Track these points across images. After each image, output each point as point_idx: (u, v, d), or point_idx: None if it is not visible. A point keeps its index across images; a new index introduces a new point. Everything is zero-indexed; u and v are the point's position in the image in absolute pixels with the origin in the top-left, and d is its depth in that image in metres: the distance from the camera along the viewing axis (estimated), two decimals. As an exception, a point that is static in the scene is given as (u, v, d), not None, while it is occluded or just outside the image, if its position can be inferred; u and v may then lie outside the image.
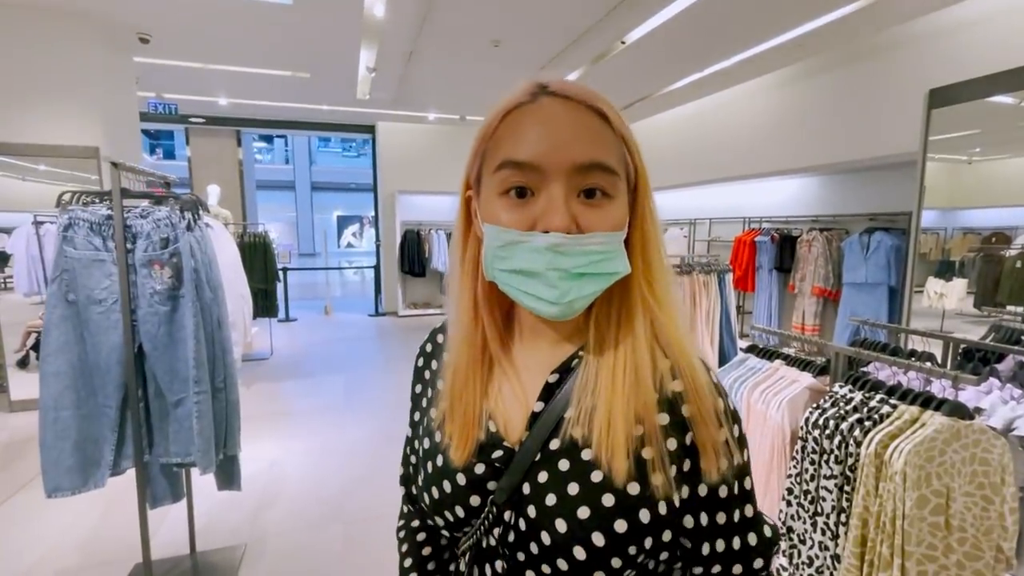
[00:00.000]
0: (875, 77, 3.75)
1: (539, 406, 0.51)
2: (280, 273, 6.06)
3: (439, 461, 0.54)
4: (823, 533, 1.50)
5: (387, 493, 2.62)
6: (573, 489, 0.46)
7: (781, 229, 5.32)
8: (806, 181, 5.11)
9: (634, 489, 0.46)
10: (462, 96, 6.19)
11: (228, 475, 1.89)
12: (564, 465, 0.48)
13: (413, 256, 7.71)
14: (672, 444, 0.48)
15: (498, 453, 0.51)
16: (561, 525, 0.46)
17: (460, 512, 0.52)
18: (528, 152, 0.45)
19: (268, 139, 22.20)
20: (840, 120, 4.04)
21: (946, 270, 2.97)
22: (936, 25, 3.25)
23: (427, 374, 0.65)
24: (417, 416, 0.65)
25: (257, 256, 5.11)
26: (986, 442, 1.36)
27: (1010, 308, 3.52)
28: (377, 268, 8.26)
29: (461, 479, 0.52)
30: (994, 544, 1.39)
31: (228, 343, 1.79)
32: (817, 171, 4.77)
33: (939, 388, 1.74)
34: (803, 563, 1.56)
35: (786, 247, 5.17)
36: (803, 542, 1.56)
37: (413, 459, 0.67)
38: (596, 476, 0.46)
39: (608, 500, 0.45)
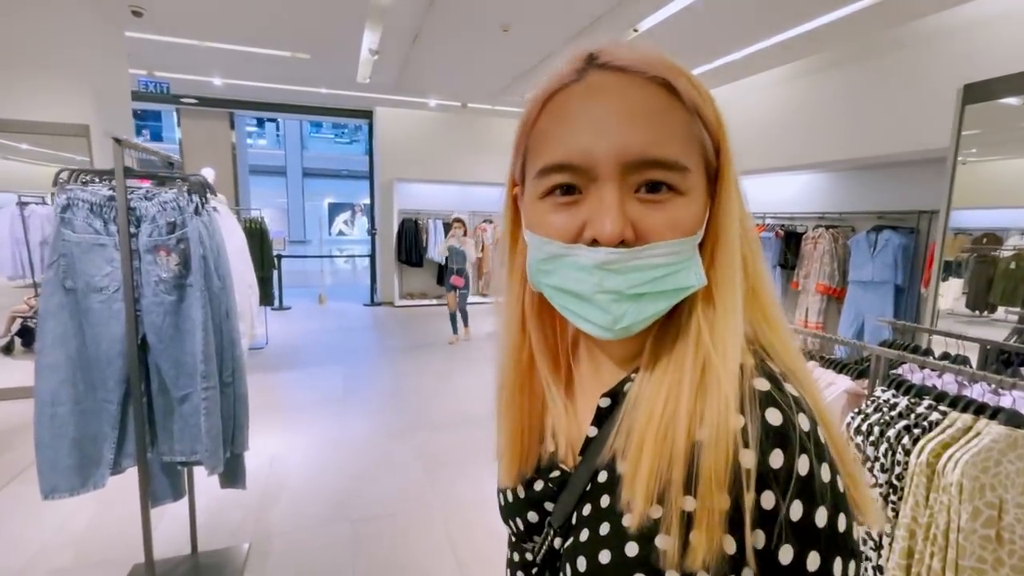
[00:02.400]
0: (895, 72, 3.68)
1: (593, 431, 0.46)
2: (276, 260, 5.91)
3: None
4: (864, 543, 1.44)
5: (393, 490, 2.54)
6: (604, 529, 0.41)
7: (786, 225, 5.28)
8: (813, 177, 5.06)
9: (664, 543, 0.36)
10: (466, 82, 6.04)
11: (233, 473, 1.79)
12: (605, 501, 0.42)
13: (410, 245, 7.58)
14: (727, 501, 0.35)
15: (555, 474, 0.49)
16: (582, 564, 0.42)
17: (520, 525, 0.51)
18: (570, 150, 0.39)
19: (259, 123, 21.74)
20: (856, 116, 3.98)
21: (943, 269, 2.96)
22: (963, 19, 3.19)
23: None
24: None
25: (254, 242, 4.96)
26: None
27: (1001, 309, 3.54)
28: (372, 257, 8.11)
29: (520, 492, 0.51)
30: (1044, 556, 1.34)
31: (236, 334, 1.69)
32: (827, 168, 4.72)
33: (978, 393, 1.69)
34: (841, 573, 1.50)
35: (790, 244, 5.14)
36: (841, 551, 1.51)
37: None
38: (627, 520, 0.39)
39: (631, 549, 0.39)
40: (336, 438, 3.12)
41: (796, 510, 0.34)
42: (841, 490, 0.36)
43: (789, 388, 0.37)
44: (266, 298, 5.20)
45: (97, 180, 1.51)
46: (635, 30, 4.22)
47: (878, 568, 1.42)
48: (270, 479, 2.59)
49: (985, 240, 3.35)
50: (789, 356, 0.41)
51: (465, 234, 5.60)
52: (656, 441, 0.38)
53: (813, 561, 0.34)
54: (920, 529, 1.32)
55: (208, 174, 5.28)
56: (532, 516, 0.50)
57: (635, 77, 0.38)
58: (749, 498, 0.34)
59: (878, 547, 1.42)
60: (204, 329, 1.50)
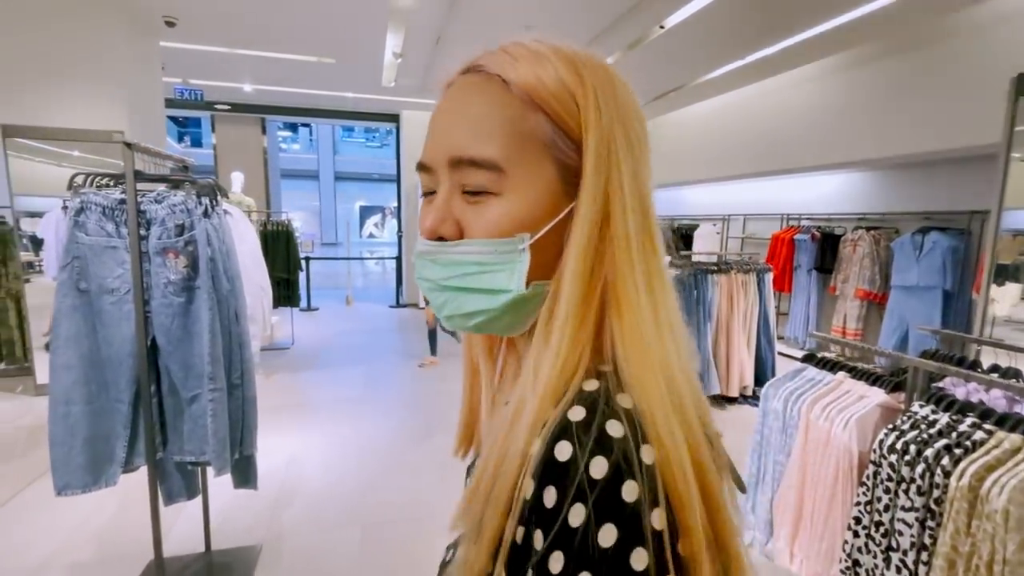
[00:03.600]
0: (941, 64, 3.46)
1: None
2: (303, 262, 6.03)
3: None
4: (898, 571, 1.33)
5: (405, 495, 2.52)
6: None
7: (822, 227, 5.05)
8: (851, 177, 4.82)
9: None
10: (489, 84, 6.03)
11: (244, 474, 1.80)
12: None
13: (435, 247, 7.61)
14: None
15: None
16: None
17: None
18: (424, 148, 0.41)
19: (293, 128, 22.38)
20: (899, 111, 3.75)
21: (997, 274, 2.74)
22: (1015, 6, 2.96)
23: None
24: None
25: (280, 245, 5.07)
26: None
27: None
28: (399, 259, 8.20)
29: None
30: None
31: (245, 337, 1.69)
32: (867, 166, 4.48)
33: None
34: (871, 602, 1.39)
35: (827, 246, 4.91)
36: (872, 578, 1.39)
37: None
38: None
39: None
40: (353, 440, 3.13)
41: (537, 541, 0.30)
42: (602, 545, 0.28)
43: (613, 425, 0.31)
44: (292, 299, 5.30)
45: (111, 184, 1.54)
46: (661, 27, 4.11)
47: (913, 600, 1.30)
48: (286, 480, 2.61)
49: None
50: (644, 379, 0.34)
51: None
52: (484, 459, 0.37)
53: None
54: (961, 559, 1.20)
55: (236, 178, 5.44)
56: None
57: (479, 75, 0.39)
58: (510, 526, 0.32)
59: (913, 575, 1.30)
60: (211, 331, 1.51)
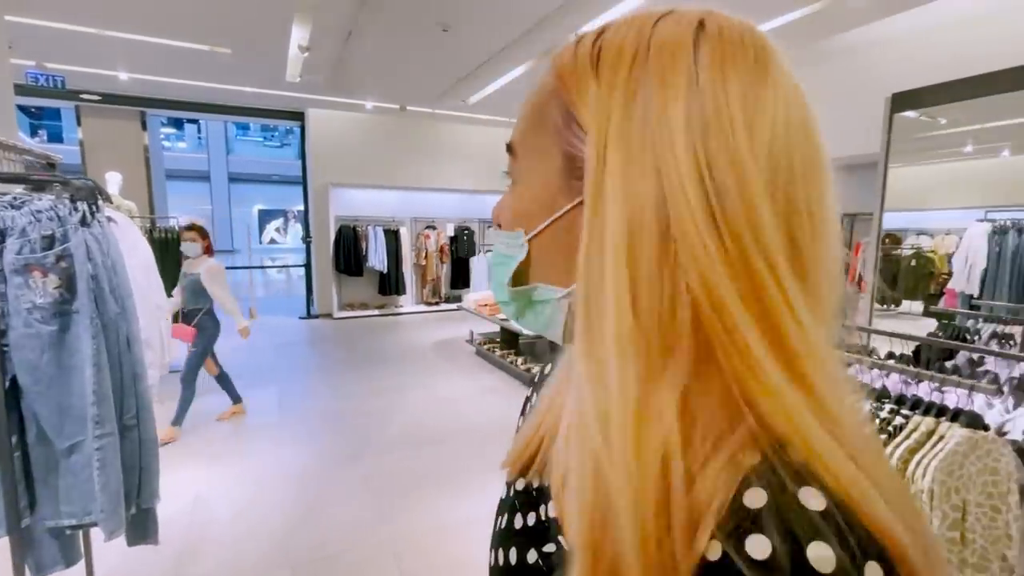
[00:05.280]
0: (822, 83, 3.88)
1: None
2: (197, 273, 5.39)
3: (503, 522, 0.44)
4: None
5: (339, 526, 2.30)
6: None
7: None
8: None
9: None
10: (404, 84, 5.82)
11: (142, 528, 1.53)
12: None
13: (349, 254, 7.23)
14: None
15: (550, 548, 0.38)
16: None
17: (499, 560, 0.42)
18: None
19: (178, 124, 20.19)
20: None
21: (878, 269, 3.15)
22: (887, 32, 3.40)
23: (527, 407, 0.54)
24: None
25: (171, 253, 4.49)
26: (996, 451, 1.32)
27: (905, 302, 3.86)
28: (308, 267, 7.66)
29: (513, 556, 0.41)
30: (1000, 553, 1.36)
31: (140, 367, 1.43)
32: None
33: (924, 392, 1.74)
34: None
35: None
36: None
37: None
38: None
39: None
40: (272, 469, 2.82)
41: None
42: None
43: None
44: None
45: (-54, 185, 1.22)
46: (576, 35, 4.20)
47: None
48: (192, 526, 2.28)
49: (887, 240, 3.65)
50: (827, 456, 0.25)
51: (207, 250, 3.51)
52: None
53: None
54: (892, 537, 1.30)
55: (113, 179, 4.73)
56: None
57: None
58: None
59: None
60: (96, 364, 1.24)
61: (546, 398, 0.44)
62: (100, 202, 1.37)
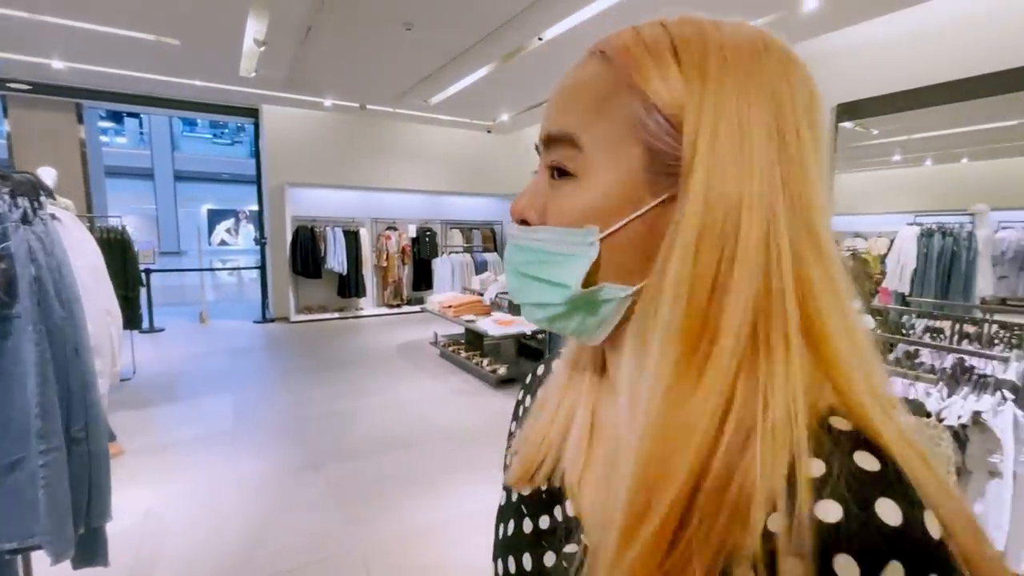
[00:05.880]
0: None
1: None
2: (143, 276, 5.10)
3: (510, 529, 0.43)
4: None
5: (302, 537, 2.22)
6: None
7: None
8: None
9: None
10: (365, 82, 5.71)
11: (91, 550, 1.43)
12: None
13: (307, 255, 7.01)
14: None
15: (572, 548, 0.38)
16: None
17: (510, 569, 0.42)
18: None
19: (117, 118, 19.00)
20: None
21: None
22: (834, 45, 3.61)
23: (521, 410, 0.53)
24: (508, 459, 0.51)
25: (114, 256, 4.22)
26: (936, 437, 1.43)
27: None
28: (263, 269, 7.38)
29: (527, 563, 0.41)
30: (941, 531, 1.47)
31: (90, 376, 1.34)
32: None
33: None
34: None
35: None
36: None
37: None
38: None
39: None
40: (228, 480, 2.69)
41: None
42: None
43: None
44: (132, 321, 4.44)
45: None
46: (539, 38, 4.25)
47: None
48: (143, 544, 2.14)
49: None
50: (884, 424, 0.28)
51: None
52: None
53: None
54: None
55: (46, 175, 4.40)
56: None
57: (588, 54, 0.36)
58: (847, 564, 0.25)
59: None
60: (40, 374, 1.16)
61: (548, 401, 0.43)
62: (43, 198, 1.27)
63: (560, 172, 0.35)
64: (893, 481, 0.26)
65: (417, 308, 7.35)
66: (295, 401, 3.96)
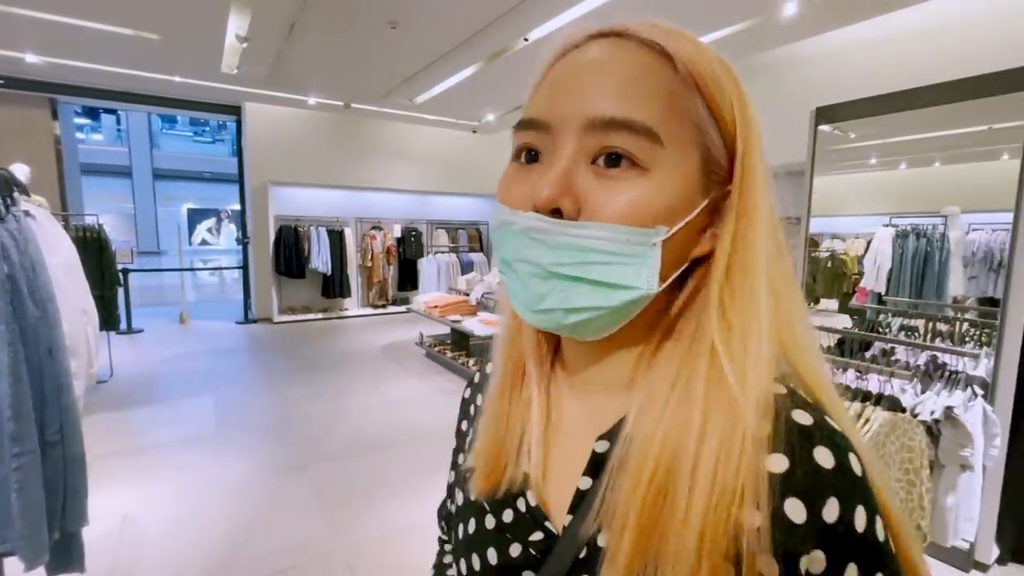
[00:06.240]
0: (754, 95, 4.14)
1: (586, 482, 0.37)
2: (120, 275, 4.99)
3: (471, 527, 0.44)
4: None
5: (286, 540, 2.20)
6: None
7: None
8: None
9: None
10: (349, 80, 5.66)
11: (66, 556, 1.39)
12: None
13: (290, 255, 6.93)
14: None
15: (538, 536, 0.39)
16: None
17: (475, 567, 0.42)
18: (539, 108, 0.35)
19: (93, 114, 18.55)
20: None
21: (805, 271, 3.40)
22: (812, 50, 3.68)
23: (472, 408, 0.52)
24: (461, 459, 0.51)
25: (90, 255, 4.13)
26: (911, 431, 1.47)
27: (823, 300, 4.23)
28: (245, 269, 7.27)
29: (492, 557, 0.41)
30: (915, 523, 1.51)
31: (65, 378, 1.31)
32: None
33: (850, 379, 1.90)
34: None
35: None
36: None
37: (451, 506, 0.55)
38: None
39: None
40: (210, 484, 2.65)
41: (832, 511, 0.30)
42: (893, 552, 0.32)
43: (831, 423, 0.33)
44: (109, 321, 4.35)
45: None
46: (525, 39, 4.26)
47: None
48: (121, 549, 2.10)
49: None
50: (822, 386, 0.35)
51: None
52: (645, 494, 0.31)
53: None
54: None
55: (20, 172, 4.28)
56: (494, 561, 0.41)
57: (630, 41, 0.34)
58: (792, 505, 0.30)
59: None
60: (13, 375, 1.13)
61: (498, 406, 0.43)
62: (16, 195, 1.24)
63: (617, 161, 0.32)
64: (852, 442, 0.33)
65: (403, 308, 7.31)
66: (278, 402, 3.91)
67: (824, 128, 2.63)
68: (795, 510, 0.30)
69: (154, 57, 4.86)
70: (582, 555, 0.35)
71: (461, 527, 0.45)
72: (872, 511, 0.30)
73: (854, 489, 0.30)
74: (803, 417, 0.32)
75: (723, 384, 0.32)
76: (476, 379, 0.54)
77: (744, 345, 0.32)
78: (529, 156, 0.36)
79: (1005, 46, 2.53)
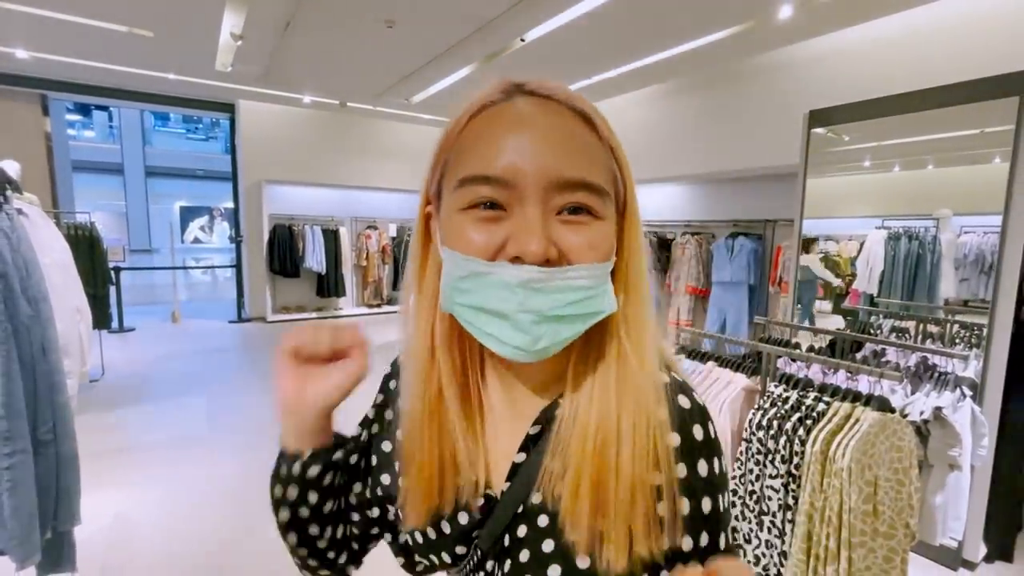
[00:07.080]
0: (746, 97, 4.17)
1: (520, 457, 0.46)
2: (112, 274, 4.95)
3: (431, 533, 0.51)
4: (769, 531, 1.53)
5: (279, 542, 2.18)
6: (548, 546, 0.43)
7: (658, 232, 5.75)
8: (679, 188, 5.57)
9: (610, 552, 0.41)
10: (345, 79, 5.64)
11: (57, 556, 1.39)
12: (543, 520, 0.44)
13: (284, 254, 6.89)
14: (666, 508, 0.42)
15: (480, 502, 0.47)
16: None
17: (447, 558, 0.49)
18: (496, 165, 0.39)
19: (85, 111, 18.39)
20: (714, 134, 4.44)
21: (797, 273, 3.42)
22: (807, 53, 3.70)
23: (393, 383, 0.59)
24: (375, 428, 0.60)
25: (81, 253, 4.09)
26: (900, 431, 1.49)
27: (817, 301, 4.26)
28: (239, 267, 7.23)
29: (444, 527, 0.48)
30: (904, 522, 1.53)
31: (58, 376, 1.30)
32: (690, 180, 5.23)
33: (841, 379, 1.92)
34: (749, 562, 1.58)
35: (663, 249, 5.60)
36: (748, 541, 1.59)
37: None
38: (574, 535, 0.42)
39: (583, 563, 0.42)
40: (202, 484, 2.63)
41: (703, 467, 0.43)
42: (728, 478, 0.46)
43: (698, 400, 0.46)
44: (101, 320, 4.31)
45: None
46: (522, 39, 4.27)
47: (783, 554, 1.52)
48: (111, 550, 2.08)
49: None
50: (673, 363, 0.48)
51: None
52: (593, 458, 0.40)
53: (718, 503, 0.43)
54: (817, 513, 1.42)
55: (10, 168, 4.23)
56: (460, 549, 0.48)
57: (560, 106, 0.41)
58: (681, 467, 0.42)
59: (781, 534, 1.52)
60: (5, 373, 1.12)
61: (417, 415, 0.47)
62: (9, 192, 1.23)
63: (578, 210, 0.40)
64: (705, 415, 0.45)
65: (397, 308, 7.28)
66: (271, 401, 3.88)
67: (818, 131, 2.65)
68: (681, 470, 0.42)
69: (148, 54, 4.82)
70: (519, 510, 0.44)
71: (418, 534, 0.51)
72: (720, 458, 0.44)
73: (712, 450, 0.44)
74: (684, 401, 0.44)
75: (630, 373, 0.42)
76: (390, 390, 0.60)
77: (640, 337, 0.43)
78: (487, 207, 0.39)
79: (997, 51, 2.57)
